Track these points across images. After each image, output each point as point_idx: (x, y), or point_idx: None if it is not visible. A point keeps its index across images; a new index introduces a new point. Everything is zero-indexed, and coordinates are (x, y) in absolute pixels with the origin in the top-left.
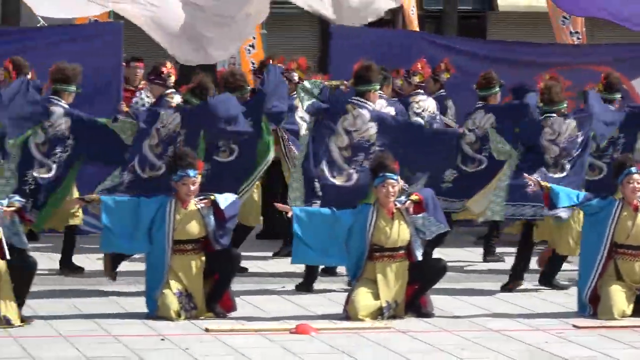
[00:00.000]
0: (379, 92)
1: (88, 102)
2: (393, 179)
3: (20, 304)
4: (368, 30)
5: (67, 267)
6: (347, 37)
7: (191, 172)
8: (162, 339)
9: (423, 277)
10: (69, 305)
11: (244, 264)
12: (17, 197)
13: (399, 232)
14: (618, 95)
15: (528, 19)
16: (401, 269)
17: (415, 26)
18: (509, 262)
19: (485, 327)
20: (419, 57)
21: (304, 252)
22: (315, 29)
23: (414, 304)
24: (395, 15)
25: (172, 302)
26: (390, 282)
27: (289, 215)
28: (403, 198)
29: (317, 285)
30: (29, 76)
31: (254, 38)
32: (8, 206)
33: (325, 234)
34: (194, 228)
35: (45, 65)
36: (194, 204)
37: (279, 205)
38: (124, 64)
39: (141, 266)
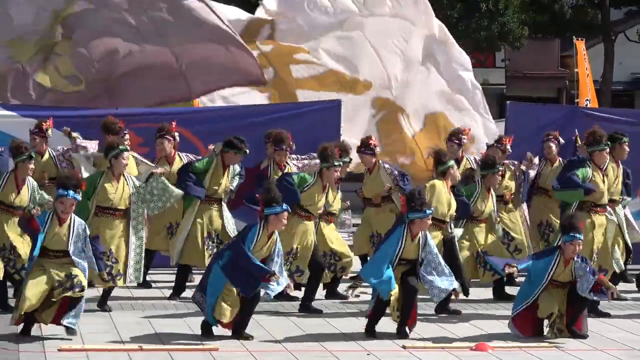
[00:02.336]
0: None
1: None
2: (581, 239)
3: (244, 326)
4: (539, 105)
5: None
6: (521, 113)
7: (428, 211)
8: (368, 354)
9: (580, 299)
10: (292, 324)
11: None
12: None
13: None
14: None
15: None
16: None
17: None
18: None
19: (632, 347)
20: (581, 128)
21: None
22: (494, 105)
23: (573, 326)
24: (559, 93)
25: None
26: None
27: None
28: None
29: (496, 311)
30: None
31: None
32: None
33: None
34: None
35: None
36: None
37: None
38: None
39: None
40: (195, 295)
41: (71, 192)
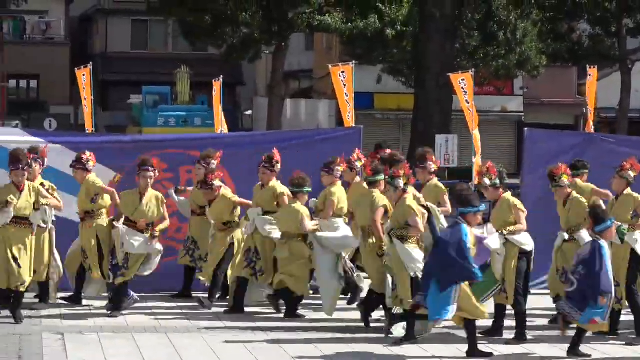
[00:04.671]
0: None
1: None
2: None
3: None
4: (556, 132)
5: None
6: (539, 140)
7: None
8: None
9: None
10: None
11: None
12: None
13: None
14: None
15: None
16: None
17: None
18: None
19: None
20: (598, 155)
21: None
22: (512, 133)
23: None
24: (576, 120)
25: None
26: None
27: None
28: None
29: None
30: None
31: None
32: None
33: None
34: None
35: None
36: None
37: None
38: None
39: None
40: None
41: None
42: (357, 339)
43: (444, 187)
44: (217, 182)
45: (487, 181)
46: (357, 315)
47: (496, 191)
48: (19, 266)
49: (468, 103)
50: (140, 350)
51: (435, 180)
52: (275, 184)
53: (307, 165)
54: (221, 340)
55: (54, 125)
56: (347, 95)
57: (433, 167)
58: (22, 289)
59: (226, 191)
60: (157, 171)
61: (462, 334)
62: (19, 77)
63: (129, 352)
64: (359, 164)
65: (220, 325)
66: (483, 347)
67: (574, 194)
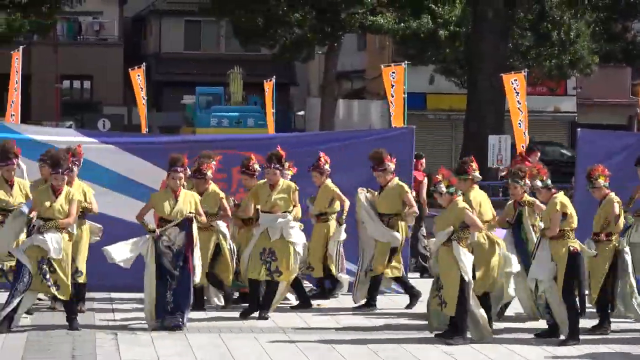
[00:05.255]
0: None
1: None
2: None
3: None
4: (610, 132)
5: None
6: (591, 141)
7: None
8: None
9: None
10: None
11: None
12: None
13: None
14: None
15: None
16: None
17: None
18: None
19: None
20: None
21: None
22: (565, 133)
23: None
24: (630, 121)
25: None
26: None
27: None
28: None
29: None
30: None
31: None
32: None
33: None
34: None
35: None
36: None
37: None
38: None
39: None
40: None
41: None
42: (409, 340)
43: (407, 187)
44: (209, 173)
45: (539, 183)
46: (409, 315)
47: (549, 192)
48: (54, 271)
49: (519, 104)
50: (193, 350)
51: (396, 179)
52: (289, 182)
53: (359, 166)
54: (273, 340)
55: (108, 126)
56: (395, 96)
57: (391, 166)
58: (61, 297)
59: (215, 187)
60: (187, 170)
61: (509, 335)
62: (72, 78)
63: (182, 351)
64: (327, 167)
65: (272, 325)
66: (535, 347)
67: (611, 195)
